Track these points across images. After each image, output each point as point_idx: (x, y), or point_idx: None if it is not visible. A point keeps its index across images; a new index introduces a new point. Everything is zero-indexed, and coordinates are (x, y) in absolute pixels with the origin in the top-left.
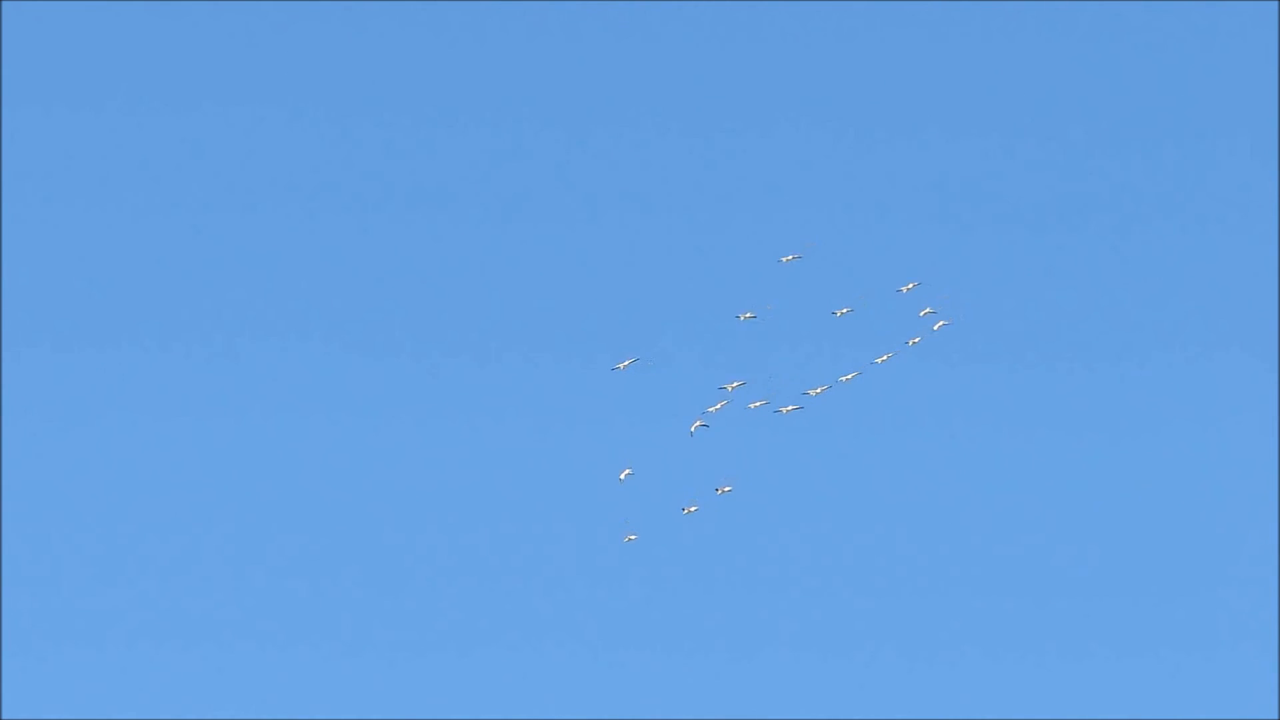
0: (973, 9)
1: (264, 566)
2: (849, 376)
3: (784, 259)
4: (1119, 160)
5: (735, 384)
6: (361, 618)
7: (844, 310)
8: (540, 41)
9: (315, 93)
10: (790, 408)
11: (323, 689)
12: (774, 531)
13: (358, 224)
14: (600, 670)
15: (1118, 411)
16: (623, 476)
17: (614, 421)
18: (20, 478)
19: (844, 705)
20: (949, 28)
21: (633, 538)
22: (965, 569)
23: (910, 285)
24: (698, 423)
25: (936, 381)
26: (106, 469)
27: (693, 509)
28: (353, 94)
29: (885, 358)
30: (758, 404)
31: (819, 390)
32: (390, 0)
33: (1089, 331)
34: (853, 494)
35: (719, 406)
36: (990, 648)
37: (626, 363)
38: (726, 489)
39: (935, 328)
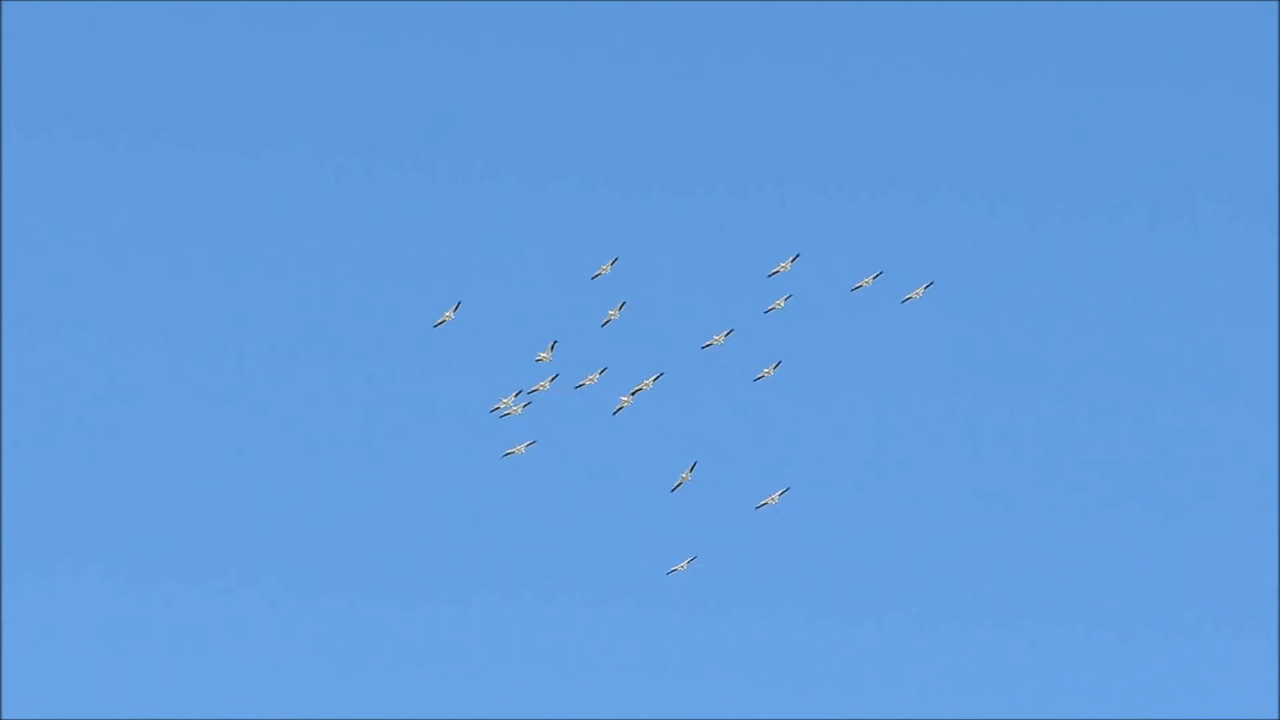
0: (970, 10)
1: (263, 571)
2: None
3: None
4: (1117, 160)
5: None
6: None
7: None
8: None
9: (314, 101)
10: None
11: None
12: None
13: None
14: None
15: (1127, 388)
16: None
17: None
18: (19, 474)
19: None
20: (943, 30)
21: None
22: (963, 560)
23: (870, 278)
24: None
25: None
26: (107, 468)
27: (682, 566)
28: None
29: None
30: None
31: (592, 379)
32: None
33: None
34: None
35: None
36: (991, 645)
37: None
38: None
39: (918, 293)
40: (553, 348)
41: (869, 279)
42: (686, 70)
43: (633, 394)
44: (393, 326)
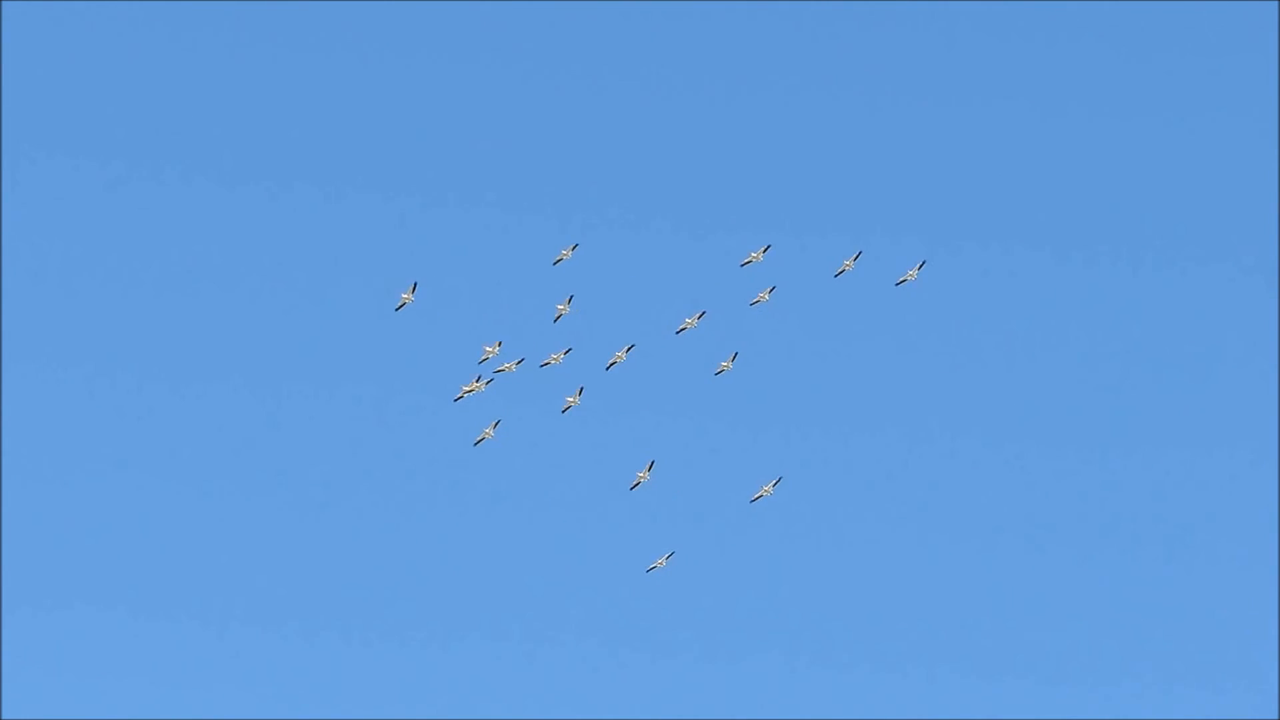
0: (969, 9)
1: (272, 558)
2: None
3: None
4: (1116, 161)
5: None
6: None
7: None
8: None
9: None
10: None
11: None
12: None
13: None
14: None
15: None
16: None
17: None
18: (21, 476)
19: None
20: (942, 29)
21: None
22: (963, 564)
23: (851, 260)
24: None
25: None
26: (108, 467)
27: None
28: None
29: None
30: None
31: (557, 357)
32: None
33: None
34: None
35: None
36: (991, 645)
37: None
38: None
39: (913, 274)
40: (499, 345)
41: (850, 261)
42: (662, 74)
43: (612, 365)
44: (363, 332)
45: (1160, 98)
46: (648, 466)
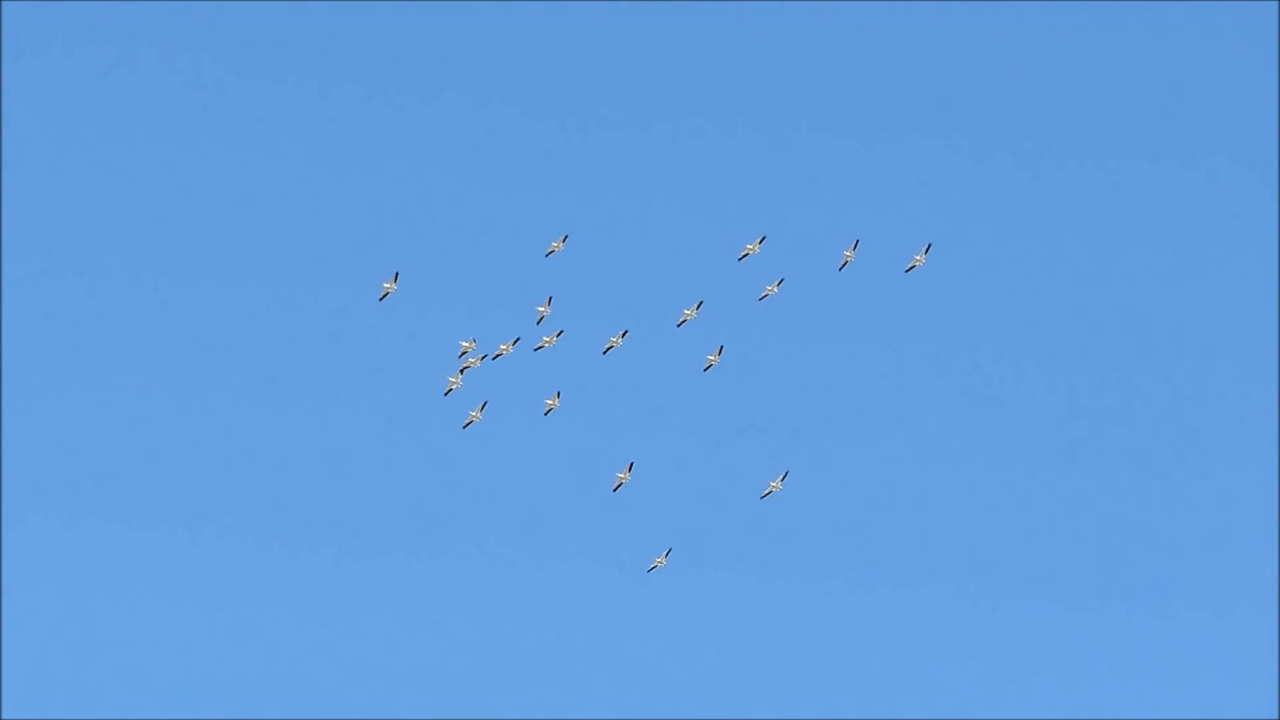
0: (969, 9)
1: (267, 561)
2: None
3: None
4: (1116, 161)
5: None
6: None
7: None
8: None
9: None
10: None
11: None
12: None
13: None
14: None
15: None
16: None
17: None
18: (21, 476)
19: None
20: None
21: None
22: (961, 565)
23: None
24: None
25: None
26: (108, 467)
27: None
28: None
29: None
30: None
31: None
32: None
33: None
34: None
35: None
36: (990, 647)
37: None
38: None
39: (919, 259)
40: (474, 342)
41: (850, 251)
42: (658, 72)
43: (609, 349)
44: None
45: (1160, 97)
46: (628, 467)
